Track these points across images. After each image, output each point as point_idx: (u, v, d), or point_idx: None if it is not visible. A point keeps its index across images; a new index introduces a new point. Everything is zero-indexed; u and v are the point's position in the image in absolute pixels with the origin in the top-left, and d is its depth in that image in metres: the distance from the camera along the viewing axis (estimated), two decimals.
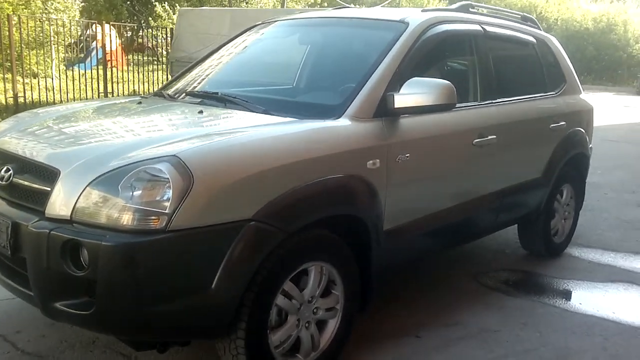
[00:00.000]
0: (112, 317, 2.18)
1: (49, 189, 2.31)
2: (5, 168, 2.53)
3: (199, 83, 3.63)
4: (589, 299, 3.92)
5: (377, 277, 2.96)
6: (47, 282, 2.23)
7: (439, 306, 3.65)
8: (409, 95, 2.87)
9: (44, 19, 12.63)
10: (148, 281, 2.13)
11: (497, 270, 4.37)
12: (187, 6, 23.80)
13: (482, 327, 3.41)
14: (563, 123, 4.37)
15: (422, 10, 3.53)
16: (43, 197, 2.32)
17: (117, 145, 2.46)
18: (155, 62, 17.04)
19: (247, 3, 27.67)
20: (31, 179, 2.42)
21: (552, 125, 4.27)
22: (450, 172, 3.37)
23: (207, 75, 3.72)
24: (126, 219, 2.14)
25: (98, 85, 12.72)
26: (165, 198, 2.14)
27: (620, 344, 3.32)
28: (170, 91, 3.57)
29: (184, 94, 3.40)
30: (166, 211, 2.13)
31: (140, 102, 3.29)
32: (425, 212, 3.22)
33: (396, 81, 2.98)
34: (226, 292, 2.25)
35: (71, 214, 2.21)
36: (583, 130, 4.70)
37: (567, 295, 3.98)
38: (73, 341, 2.98)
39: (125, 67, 15.87)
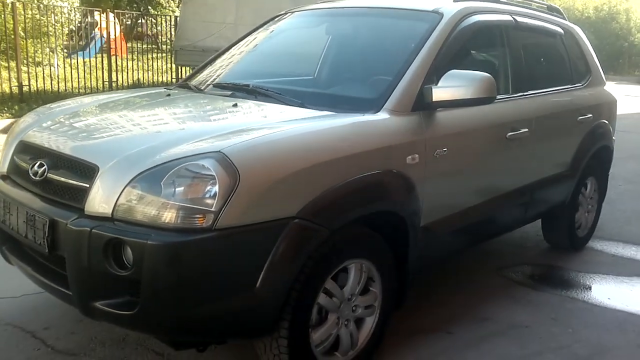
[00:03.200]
0: (156, 318, 2.13)
1: (88, 185, 2.25)
2: (38, 163, 2.46)
3: (225, 74, 3.55)
4: (617, 294, 3.88)
5: (413, 273, 2.91)
6: (88, 281, 2.17)
7: (468, 302, 3.61)
8: (448, 88, 2.80)
9: (45, 6, 12.47)
10: (194, 281, 2.08)
11: (520, 265, 4.32)
12: None
13: (512, 323, 3.37)
14: (590, 115, 4.31)
15: (454, 0, 3.44)
16: (81, 194, 2.25)
17: (155, 140, 2.39)
18: (156, 50, 16.89)
19: None
20: (68, 175, 2.35)
21: (580, 117, 4.21)
22: (485, 166, 3.31)
23: (232, 66, 3.64)
24: (170, 217, 2.08)
25: (103, 74, 12.57)
26: (211, 195, 2.08)
27: None
28: (197, 82, 3.49)
29: (212, 86, 3.32)
30: (212, 209, 2.07)
31: (169, 95, 3.21)
32: (460, 207, 3.17)
33: (433, 74, 2.91)
34: (270, 291, 2.20)
35: (112, 211, 2.15)
36: (607, 123, 4.64)
37: (594, 290, 3.94)
38: (103, 338, 2.93)
39: (126, 55, 15.70)
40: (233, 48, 3.89)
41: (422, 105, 2.83)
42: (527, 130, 3.51)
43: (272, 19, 4.02)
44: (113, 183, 2.18)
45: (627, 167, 7.96)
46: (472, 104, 2.85)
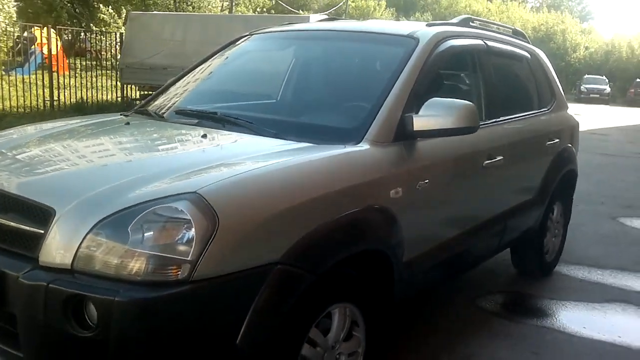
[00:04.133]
0: None
1: (42, 231, 1.97)
2: None
3: (187, 99, 3.32)
4: (592, 322, 3.82)
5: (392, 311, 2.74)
6: (43, 343, 1.89)
7: (448, 340, 3.45)
8: (429, 117, 2.67)
9: None
10: (169, 341, 1.83)
11: (493, 294, 4.23)
12: (132, 10, 23.02)
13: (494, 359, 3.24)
14: (557, 140, 4.29)
15: (426, 25, 3.33)
16: (35, 241, 1.98)
17: (119, 177, 2.12)
18: (99, 68, 16.32)
19: (192, 6, 27.05)
20: (17, 219, 2.06)
21: (548, 142, 4.17)
22: (464, 196, 3.19)
23: (193, 91, 3.41)
24: (140, 268, 1.83)
25: (43, 92, 12.00)
26: (186, 243, 1.85)
27: None
28: (156, 108, 3.24)
29: (174, 113, 3.07)
30: (188, 258, 1.84)
31: (128, 123, 2.94)
32: (440, 239, 3.03)
33: (412, 101, 2.77)
34: (252, 346, 1.97)
35: (72, 262, 1.88)
36: (572, 146, 4.64)
37: (569, 318, 3.86)
38: None
39: (67, 72, 15.10)
40: (194, 71, 3.65)
41: (403, 135, 2.68)
42: (502, 157, 3.42)
43: (235, 41, 3.80)
44: (73, 229, 1.92)
45: (579, 187, 8.00)
46: (454, 134, 2.72)
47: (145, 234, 1.87)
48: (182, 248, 1.85)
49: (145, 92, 15.84)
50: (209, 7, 27.05)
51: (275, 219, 2.04)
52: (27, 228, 2.02)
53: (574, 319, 3.87)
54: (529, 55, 4.28)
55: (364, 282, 2.47)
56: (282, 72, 3.42)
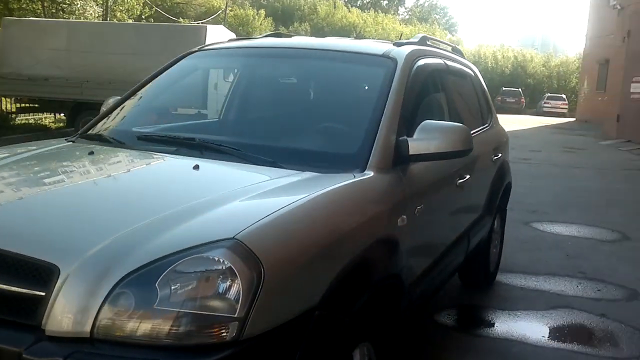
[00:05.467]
0: None
1: (43, 293, 1.64)
2: None
3: (150, 123, 3.00)
4: (547, 331, 3.94)
5: None
6: None
7: (421, 358, 3.40)
8: (424, 140, 2.59)
9: None
10: None
11: (448, 308, 4.26)
12: None
13: None
14: (500, 154, 4.42)
15: (393, 44, 3.27)
16: (35, 306, 1.64)
17: (125, 222, 1.81)
18: None
19: (63, 11, 25.32)
20: (8, 280, 1.70)
21: (494, 157, 4.29)
22: (446, 215, 3.17)
23: (155, 113, 3.09)
24: (178, 331, 1.57)
25: None
26: (230, 298, 1.62)
27: None
28: (112, 134, 2.89)
29: (143, 140, 2.73)
30: (235, 315, 1.60)
31: (92, 152, 2.57)
32: (427, 261, 2.97)
33: (402, 124, 2.69)
34: None
35: (92, 329, 1.58)
36: (507, 160, 4.80)
37: (526, 329, 3.96)
38: None
39: None
40: (143, 91, 3.32)
41: (399, 159, 2.58)
42: (469, 176, 3.44)
43: (183, 56, 3.51)
44: (88, 290, 1.60)
45: None
46: (449, 157, 2.66)
47: (181, 291, 1.61)
48: (226, 304, 1.61)
49: (24, 105, 14.58)
50: (85, 14, 25.45)
51: (312, 260, 1.87)
52: (23, 290, 1.66)
53: (531, 328, 3.98)
54: (472, 73, 4.38)
55: (378, 316, 2.34)
56: (248, 93, 3.19)
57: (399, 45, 3.22)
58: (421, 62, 3.19)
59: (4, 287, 1.68)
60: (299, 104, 2.93)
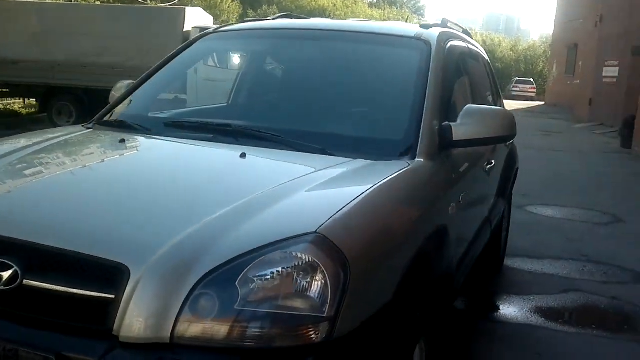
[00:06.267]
0: None
1: (112, 296, 1.50)
2: None
3: (175, 110, 2.85)
4: (565, 316, 3.95)
5: None
6: None
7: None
8: (468, 126, 2.49)
9: None
10: None
11: (461, 294, 4.21)
12: None
13: None
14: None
15: (420, 26, 3.16)
16: (103, 311, 1.50)
17: (191, 217, 1.67)
18: None
19: None
20: (71, 282, 1.55)
21: (508, 142, 4.24)
22: (478, 203, 3.10)
23: (188, 100, 2.93)
24: (263, 334, 1.47)
25: None
26: (319, 296, 1.51)
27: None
28: (137, 120, 2.71)
29: (172, 127, 2.57)
30: (325, 314, 1.50)
31: (123, 140, 2.40)
32: (463, 249, 2.90)
33: (442, 109, 2.60)
34: None
35: (172, 334, 1.46)
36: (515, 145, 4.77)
37: (544, 313, 3.95)
38: None
39: None
40: (153, 76, 3.14)
41: (444, 145, 2.49)
42: (494, 161, 3.38)
43: (197, 39, 3.33)
44: (165, 291, 1.48)
45: None
46: (493, 143, 2.60)
47: (264, 290, 1.50)
48: (313, 304, 1.51)
49: None
50: None
51: (388, 252, 1.78)
52: (89, 293, 1.53)
53: (548, 313, 3.97)
54: (483, 55, 4.31)
55: (434, 309, 2.26)
56: (276, 77, 3.05)
57: (426, 27, 3.12)
58: (450, 44, 3.09)
59: (67, 289, 1.54)
60: (335, 88, 2.80)
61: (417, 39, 2.90)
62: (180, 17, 12.13)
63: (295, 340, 1.49)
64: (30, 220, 1.70)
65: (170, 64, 3.22)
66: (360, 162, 2.18)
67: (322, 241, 1.56)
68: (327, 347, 1.50)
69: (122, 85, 3.18)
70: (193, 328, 1.47)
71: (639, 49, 15.22)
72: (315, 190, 1.87)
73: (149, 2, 34.35)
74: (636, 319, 3.92)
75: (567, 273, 4.76)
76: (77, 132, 2.70)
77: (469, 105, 2.57)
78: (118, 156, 2.33)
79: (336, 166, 2.12)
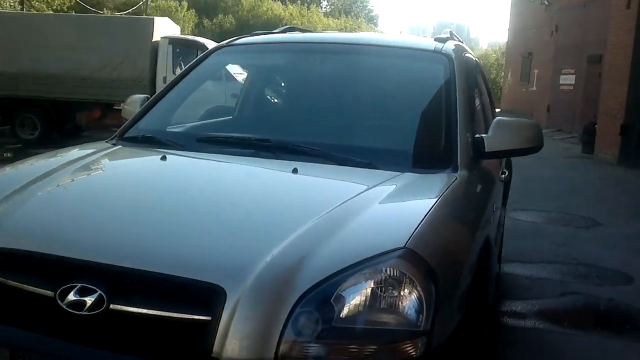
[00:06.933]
0: None
1: (209, 318, 1.49)
2: (78, 288, 1.57)
3: (205, 126, 2.83)
4: (568, 318, 4.08)
5: None
6: None
7: None
8: (499, 137, 2.57)
9: None
10: None
11: None
12: None
13: None
14: None
15: (435, 39, 3.24)
16: (199, 334, 1.49)
17: (273, 235, 1.68)
18: None
19: None
20: (162, 305, 1.53)
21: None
22: (497, 212, 3.18)
23: (209, 114, 2.93)
24: (361, 351, 1.49)
25: None
26: (414, 311, 1.54)
27: None
28: (165, 136, 2.69)
29: (205, 142, 2.55)
30: (421, 328, 1.53)
31: (164, 157, 2.38)
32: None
33: (472, 120, 2.68)
34: None
35: (276, 354, 1.46)
36: None
37: (548, 317, 4.06)
38: None
39: None
40: (169, 90, 3.12)
41: (477, 157, 2.56)
42: (507, 170, 3.48)
43: (211, 52, 3.31)
44: (265, 311, 1.48)
45: None
46: (522, 154, 2.67)
47: (359, 307, 1.52)
48: (408, 318, 1.54)
49: None
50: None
51: (462, 263, 1.82)
52: (184, 316, 1.51)
53: (552, 316, 4.09)
54: (479, 66, 4.43)
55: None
56: (302, 91, 3.06)
57: (442, 41, 3.19)
58: (465, 57, 3.18)
59: (159, 312, 1.52)
60: (365, 102, 2.84)
61: (438, 52, 2.97)
62: (150, 27, 11.97)
63: (394, 356, 1.51)
64: (115, 243, 1.68)
65: (185, 77, 3.20)
66: (411, 176, 2.22)
67: (412, 256, 1.59)
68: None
69: (136, 99, 3.14)
70: (295, 347, 1.47)
71: (595, 58, 15.83)
72: (385, 204, 1.90)
73: (105, 11, 33.84)
74: (637, 319, 4.07)
75: (562, 276, 4.91)
76: (106, 149, 2.64)
77: (499, 117, 2.65)
78: (170, 174, 2.30)
79: (389, 180, 2.15)
